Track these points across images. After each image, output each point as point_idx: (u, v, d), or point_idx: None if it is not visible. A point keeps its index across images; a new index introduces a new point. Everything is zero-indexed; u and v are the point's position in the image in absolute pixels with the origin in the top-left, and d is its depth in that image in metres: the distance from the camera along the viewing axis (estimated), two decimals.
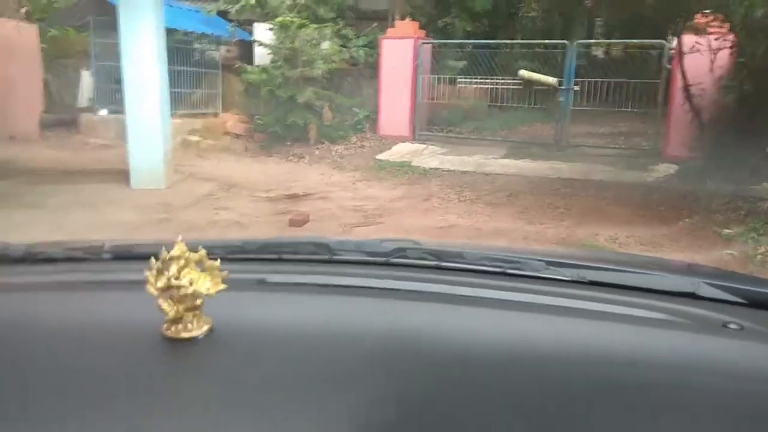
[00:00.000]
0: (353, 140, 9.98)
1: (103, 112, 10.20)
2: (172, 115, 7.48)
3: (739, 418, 0.61)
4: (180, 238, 0.72)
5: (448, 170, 8.22)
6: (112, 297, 0.88)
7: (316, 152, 9.41)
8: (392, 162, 8.69)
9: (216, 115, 10.48)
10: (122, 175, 6.97)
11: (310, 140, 9.58)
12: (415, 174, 8.11)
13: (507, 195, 6.96)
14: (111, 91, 10.09)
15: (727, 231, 5.37)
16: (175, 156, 7.57)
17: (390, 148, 9.41)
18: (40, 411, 0.59)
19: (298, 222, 5.43)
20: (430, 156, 8.91)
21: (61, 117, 10.51)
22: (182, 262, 0.71)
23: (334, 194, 7.01)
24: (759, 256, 4.77)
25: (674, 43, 7.92)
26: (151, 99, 6.74)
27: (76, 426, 0.57)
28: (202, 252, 0.72)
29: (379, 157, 9.02)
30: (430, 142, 9.70)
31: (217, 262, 0.72)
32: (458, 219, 5.95)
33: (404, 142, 9.75)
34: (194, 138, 9.67)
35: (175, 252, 0.70)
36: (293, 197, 6.83)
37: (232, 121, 9.96)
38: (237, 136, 9.77)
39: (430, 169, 8.30)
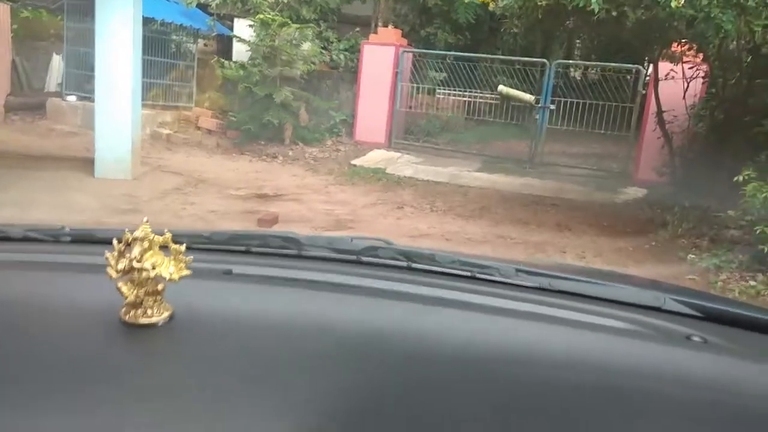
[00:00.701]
0: (328, 143, 9.90)
1: (72, 98, 9.93)
2: (143, 106, 7.30)
3: (702, 427, 0.63)
4: (145, 219, 0.69)
5: (422, 180, 8.21)
6: (70, 279, 0.86)
7: (290, 153, 9.30)
8: (366, 168, 8.64)
9: (189, 108, 10.29)
10: (87, 163, 6.78)
11: (284, 140, 9.47)
12: (389, 182, 8.07)
13: (479, 208, 6.97)
14: (81, 76, 9.83)
15: (691, 256, 5.46)
16: (143, 147, 7.39)
17: (365, 154, 9.37)
18: None
19: (267, 222, 5.34)
20: (404, 164, 8.89)
21: (27, 101, 10.21)
22: (146, 244, 0.67)
23: (306, 197, 6.92)
24: (720, 283, 4.85)
25: (650, 69, 8.07)
26: (122, 87, 6.57)
27: (27, 407, 0.55)
28: (168, 235, 0.69)
29: (354, 162, 8.96)
30: (406, 151, 9.69)
31: (183, 247, 0.69)
32: (429, 228, 5.93)
33: (380, 148, 9.71)
34: (164, 131, 9.47)
35: (138, 233, 0.67)
36: (264, 197, 6.72)
37: (205, 116, 9.79)
38: (209, 131, 9.60)
39: (404, 177, 8.27)
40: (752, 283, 4.73)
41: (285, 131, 9.43)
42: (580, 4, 5.08)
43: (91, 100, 7.95)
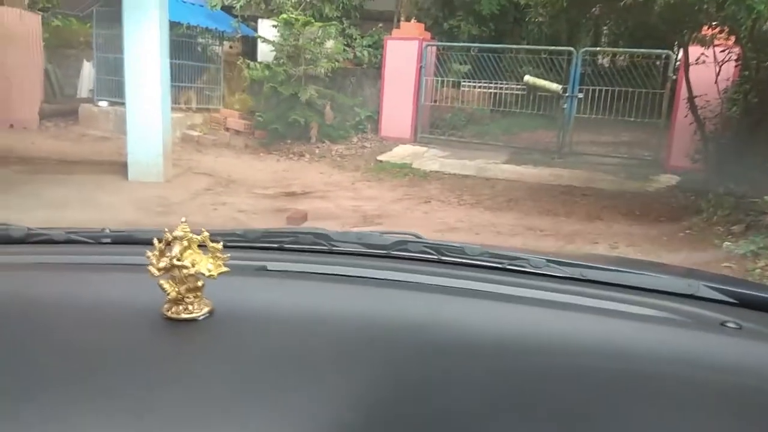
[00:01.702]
0: (354, 140, 9.94)
1: (103, 104, 10.16)
2: (173, 109, 7.43)
3: (737, 412, 0.62)
4: (183, 219, 0.72)
5: (449, 174, 8.18)
6: (112, 278, 0.88)
7: (317, 151, 9.36)
8: (393, 163, 8.65)
9: (217, 110, 10.44)
10: (120, 167, 6.93)
11: (310, 139, 9.53)
12: (416, 176, 8.06)
13: (507, 200, 6.92)
14: (112, 82, 10.06)
15: (727, 243, 5.33)
16: (174, 150, 7.52)
17: (391, 150, 9.37)
18: (41, 389, 0.58)
19: (296, 220, 5.39)
20: (431, 159, 8.87)
21: (60, 107, 10.48)
22: (185, 243, 0.70)
23: (333, 194, 6.97)
24: (758, 270, 4.73)
25: (680, 54, 7.89)
26: (152, 91, 6.69)
27: (76, 403, 0.56)
28: (205, 234, 0.72)
29: (380, 158, 8.97)
30: (432, 145, 9.66)
31: (220, 245, 0.72)
32: (457, 222, 5.91)
33: (405, 144, 9.71)
34: (194, 133, 9.63)
35: (178, 233, 0.70)
36: (292, 195, 6.78)
37: (232, 117, 9.91)
38: (237, 132, 9.72)
39: (431, 171, 8.25)
40: None
41: (311, 129, 9.49)
42: None
43: (122, 104, 8.12)
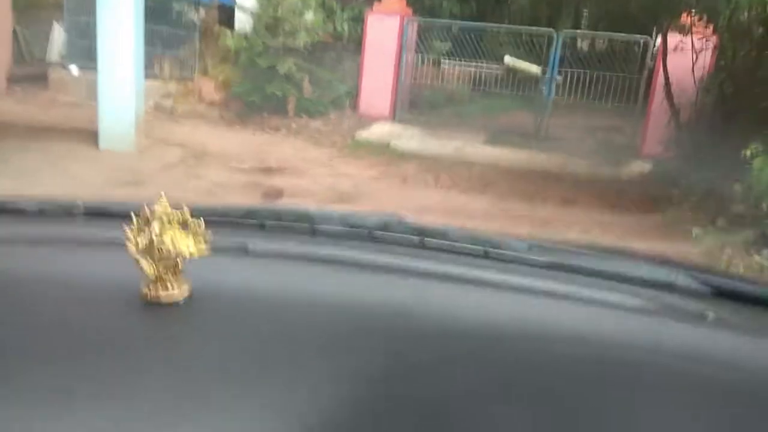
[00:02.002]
0: (332, 116, 9.82)
1: (74, 68, 9.85)
2: (146, 77, 7.24)
3: (714, 402, 0.63)
4: (162, 194, 0.69)
5: (427, 153, 8.16)
6: (86, 254, 0.86)
7: (294, 126, 9.24)
8: (371, 141, 8.60)
9: (192, 80, 10.20)
10: (91, 135, 6.75)
11: (288, 113, 9.39)
12: (393, 155, 8.03)
13: (484, 182, 6.95)
14: (84, 46, 9.72)
15: (697, 231, 5.44)
16: (147, 119, 7.35)
17: (369, 127, 9.30)
18: (13, 370, 0.57)
19: (271, 196, 5.34)
20: (409, 138, 8.84)
21: (29, 71, 10.13)
22: (165, 220, 0.67)
23: (310, 170, 6.91)
24: (725, 257, 4.85)
25: (658, 40, 7.95)
26: (125, 58, 6.51)
27: (48, 382, 0.55)
28: (186, 211, 0.69)
29: (358, 135, 8.91)
30: (411, 124, 9.61)
31: (201, 222, 0.70)
32: (433, 203, 5.93)
33: (384, 121, 9.64)
34: (167, 102, 9.40)
35: (158, 209, 0.68)
36: (267, 170, 6.71)
37: (207, 87, 9.70)
38: (212, 103, 9.53)
39: (409, 151, 8.22)
40: (757, 258, 4.73)
41: (288, 103, 9.34)
42: None
43: (94, 70, 7.88)
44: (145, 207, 0.69)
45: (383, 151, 8.18)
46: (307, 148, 8.14)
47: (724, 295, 0.93)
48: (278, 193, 5.44)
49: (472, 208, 5.84)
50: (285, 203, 5.06)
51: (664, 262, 1.18)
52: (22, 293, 0.72)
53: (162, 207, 0.68)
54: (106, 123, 6.61)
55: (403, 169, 7.37)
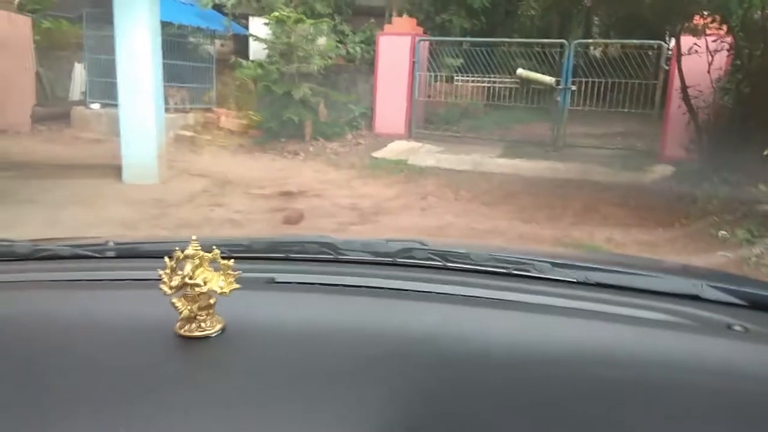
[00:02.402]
0: (349, 137, 9.92)
1: (96, 106, 10.11)
2: (166, 110, 7.41)
3: (745, 418, 0.62)
4: (194, 237, 0.72)
5: (445, 169, 8.18)
6: (121, 295, 0.88)
7: (311, 149, 9.35)
8: (388, 160, 8.65)
9: (210, 110, 10.41)
10: (115, 170, 6.90)
11: (305, 137, 9.52)
12: (411, 172, 8.06)
13: (503, 194, 6.93)
14: (104, 84, 10.00)
15: (723, 233, 5.36)
16: (168, 151, 7.49)
17: (386, 146, 9.36)
18: (52, 408, 0.58)
19: (293, 219, 5.38)
20: (426, 154, 8.87)
21: (53, 110, 10.42)
22: (197, 261, 0.71)
23: (329, 192, 6.96)
24: (754, 258, 4.76)
25: (672, 44, 7.90)
26: (144, 93, 6.67)
27: (89, 423, 0.56)
28: (216, 252, 0.72)
29: (375, 154, 8.96)
30: (427, 141, 9.66)
31: (231, 262, 0.72)
32: (455, 218, 5.92)
33: (400, 139, 9.70)
34: (188, 133, 9.60)
35: (189, 251, 0.71)
36: (288, 194, 6.77)
37: (226, 116, 9.89)
38: (231, 131, 9.70)
39: (426, 167, 8.25)
40: None
41: (305, 127, 9.48)
42: None
43: (115, 106, 8.08)
44: (177, 249, 0.71)
45: (401, 168, 8.22)
46: (326, 171, 8.21)
47: (752, 305, 0.91)
48: (299, 216, 5.48)
49: (493, 220, 5.82)
50: (307, 231, 5.10)
51: (689, 271, 1.18)
52: (59, 335, 0.74)
53: (193, 249, 0.71)
54: (129, 157, 6.75)
55: (422, 185, 7.38)
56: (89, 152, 8.52)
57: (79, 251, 1.05)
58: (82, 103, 10.60)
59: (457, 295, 0.88)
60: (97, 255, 1.05)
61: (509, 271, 0.99)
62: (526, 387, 0.65)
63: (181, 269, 0.70)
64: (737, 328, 0.81)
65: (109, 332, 0.74)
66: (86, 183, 6.67)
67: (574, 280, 0.97)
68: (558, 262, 1.02)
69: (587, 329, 0.79)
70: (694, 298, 0.92)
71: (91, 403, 0.59)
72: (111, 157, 7.40)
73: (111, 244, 1.09)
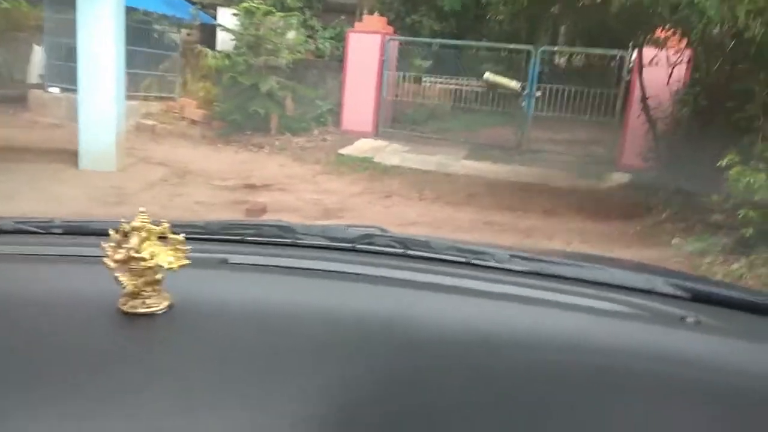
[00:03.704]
0: (315, 133, 9.86)
1: (54, 90, 9.80)
2: (127, 97, 7.23)
3: (698, 406, 0.64)
4: (142, 209, 0.69)
5: (410, 168, 8.22)
6: (64, 270, 0.85)
7: (277, 143, 9.25)
8: (354, 157, 8.63)
9: (173, 99, 10.19)
10: (71, 155, 6.71)
11: (270, 130, 9.41)
12: (377, 170, 8.07)
13: (467, 195, 7.00)
14: (63, 68, 9.68)
15: (676, 240, 5.53)
16: (128, 139, 7.32)
17: (352, 143, 9.34)
18: None
19: (255, 213, 5.33)
20: (392, 153, 8.89)
21: (8, 92, 10.08)
22: (144, 234, 0.67)
23: (294, 186, 6.91)
24: (704, 266, 4.92)
25: (634, 55, 8.11)
26: (105, 78, 6.50)
27: (29, 401, 0.54)
28: (165, 225, 0.69)
29: (341, 151, 8.93)
30: (393, 140, 9.67)
31: (181, 237, 0.69)
32: (418, 217, 5.95)
33: (367, 137, 9.69)
34: (149, 122, 9.38)
35: (136, 223, 0.67)
36: (251, 187, 6.70)
37: (189, 106, 9.70)
38: (194, 122, 9.52)
39: (392, 166, 8.27)
40: (735, 266, 4.80)
41: (271, 121, 9.37)
42: None
43: (74, 91, 7.84)
44: (124, 222, 0.68)
45: (367, 166, 8.21)
46: (291, 165, 8.15)
47: (703, 299, 0.94)
48: (262, 210, 5.42)
49: (456, 220, 5.87)
50: (272, 219, 5.05)
51: (643, 268, 1.20)
52: (0, 310, 0.71)
53: (141, 222, 0.67)
54: (87, 143, 6.57)
55: (387, 183, 7.40)
56: (46, 136, 8.25)
57: (23, 226, 1.01)
58: (41, 86, 10.26)
59: (416, 281, 0.87)
60: (42, 231, 1.01)
61: (468, 260, 0.99)
62: (484, 372, 0.65)
63: (128, 242, 0.67)
64: (690, 320, 0.82)
65: (50, 308, 0.71)
66: (41, 168, 6.45)
67: (531, 271, 0.97)
68: (516, 254, 1.02)
69: (544, 317, 0.80)
70: (648, 292, 0.94)
71: (31, 380, 0.57)
72: (68, 142, 7.18)
73: (57, 221, 1.04)
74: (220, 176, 7.04)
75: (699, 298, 0.94)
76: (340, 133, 9.93)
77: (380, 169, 8.11)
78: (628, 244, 5.46)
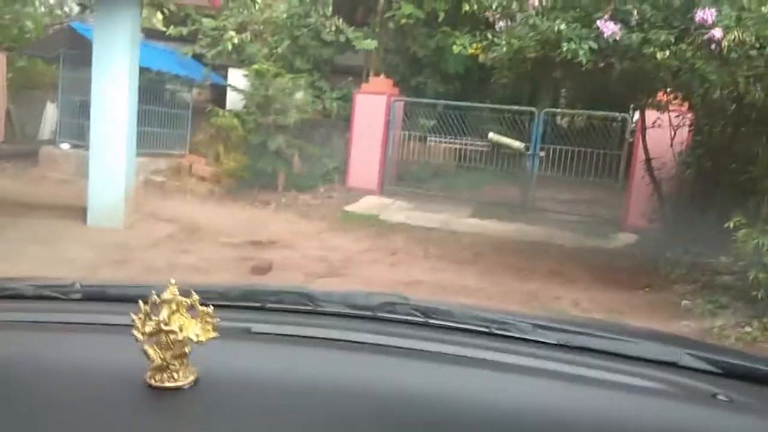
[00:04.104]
0: (321, 190, 9.96)
1: (65, 146, 9.98)
2: (137, 154, 7.35)
3: None
4: (173, 281, 0.69)
5: (415, 225, 8.24)
6: (87, 339, 0.84)
7: (283, 200, 9.33)
8: (359, 214, 8.68)
9: (182, 156, 10.35)
10: (79, 211, 6.75)
11: (278, 187, 9.51)
12: (382, 227, 8.09)
13: (472, 254, 6.98)
14: (75, 125, 9.92)
15: (686, 302, 5.46)
16: (137, 195, 7.38)
17: (358, 201, 9.41)
18: None
19: (261, 270, 5.31)
20: (397, 210, 8.94)
21: (20, 148, 10.27)
22: (174, 306, 0.67)
23: (299, 243, 6.91)
24: (716, 329, 4.84)
25: (636, 117, 8.25)
26: (117, 135, 6.62)
27: None
28: (195, 297, 0.68)
29: (347, 208, 8.99)
30: (398, 197, 9.75)
31: (210, 309, 0.69)
32: (423, 275, 5.91)
33: (372, 195, 9.77)
34: (158, 178, 9.50)
35: (166, 295, 0.67)
36: (257, 244, 6.70)
37: (198, 163, 9.84)
38: (203, 178, 9.64)
39: (397, 223, 8.30)
40: (748, 329, 4.73)
41: (278, 178, 9.49)
42: (569, 56, 5.23)
43: (85, 148, 7.98)
44: (153, 293, 0.68)
45: (372, 223, 8.24)
46: (297, 222, 8.18)
47: (734, 375, 0.92)
48: (268, 267, 5.40)
49: (461, 279, 5.83)
50: (276, 281, 5.03)
51: (668, 338, 1.18)
52: (20, 379, 0.70)
53: (171, 294, 0.67)
54: (95, 199, 6.62)
55: (392, 240, 7.40)
56: (55, 192, 8.34)
57: (44, 292, 1.01)
58: (52, 142, 10.46)
59: (439, 352, 0.87)
60: (63, 296, 1.01)
61: (490, 330, 0.98)
62: None
63: (156, 314, 0.66)
64: (722, 397, 0.80)
65: (74, 378, 0.70)
66: (48, 223, 6.49)
67: (555, 342, 0.96)
68: (540, 323, 1.01)
69: (568, 392, 0.78)
70: (677, 366, 0.92)
71: None
72: (77, 198, 7.25)
73: (77, 285, 1.04)
74: (226, 233, 7.06)
75: (730, 374, 0.92)
76: (346, 190, 10.03)
77: (385, 227, 8.13)
78: (638, 305, 5.40)
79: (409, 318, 1.00)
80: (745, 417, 0.78)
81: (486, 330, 0.98)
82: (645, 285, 5.99)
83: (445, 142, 10.39)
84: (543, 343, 0.96)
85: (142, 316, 0.67)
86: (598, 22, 5.14)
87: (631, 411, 0.75)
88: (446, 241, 7.54)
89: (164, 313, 0.66)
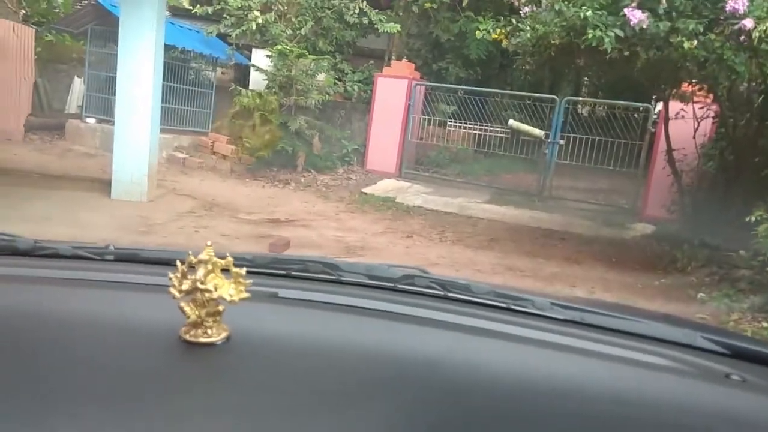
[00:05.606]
0: (340, 171, 10.02)
1: (91, 120, 10.13)
2: (161, 130, 7.46)
3: None
4: (209, 243, 0.72)
5: (432, 210, 8.27)
6: (121, 297, 0.88)
7: (302, 180, 9.41)
8: (377, 196, 8.72)
9: (205, 134, 10.47)
10: (103, 184, 6.88)
11: (297, 167, 9.59)
12: (399, 210, 8.14)
13: (488, 239, 7.00)
14: (101, 99, 10.08)
15: (702, 295, 5.43)
16: (159, 171, 7.50)
17: (375, 183, 9.46)
18: (51, 405, 0.57)
19: (278, 247, 5.38)
20: (414, 194, 8.97)
21: (47, 121, 10.43)
22: (210, 267, 0.70)
23: (317, 223, 6.99)
24: (732, 323, 4.82)
25: (659, 107, 8.16)
26: (142, 111, 6.71)
27: (85, 422, 0.56)
28: (229, 259, 0.72)
29: (365, 190, 9.04)
30: (416, 181, 9.78)
31: (243, 270, 0.72)
32: (438, 258, 5.96)
33: (390, 178, 9.81)
34: (180, 155, 9.63)
35: (203, 256, 0.71)
36: (275, 222, 6.79)
37: (220, 141, 9.95)
38: (224, 156, 9.75)
39: (414, 207, 8.33)
40: (765, 324, 4.70)
41: (298, 158, 9.57)
42: (593, 44, 5.17)
43: (110, 122, 8.11)
44: (191, 254, 0.71)
45: (389, 206, 8.28)
46: (315, 202, 8.26)
47: (745, 357, 0.93)
48: (285, 245, 5.48)
49: (476, 264, 5.86)
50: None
51: (681, 322, 1.18)
52: (59, 332, 0.73)
53: (207, 255, 0.71)
54: (119, 173, 6.75)
55: (409, 224, 7.44)
56: (80, 165, 8.49)
57: (80, 252, 1.05)
58: (78, 116, 10.62)
59: (456, 323, 0.88)
60: (97, 257, 1.05)
61: (509, 306, 0.99)
62: (527, 419, 0.65)
63: (192, 274, 0.70)
64: (735, 377, 0.82)
65: (110, 333, 0.74)
66: (72, 195, 6.63)
67: (572, 320, 0.97)
68: (556, 302, 1.02)
69: (586, 366, 0.80)
70: (689, 347, 0.93)
71: (90, 402, 0.58)
72: (101, 171, 7.39)
73: (111, 248, 1.09)
74: (246, 210, 7.16)
75: (741, 356, 0.93)
76: (365, 172, 10.08)
77: (402, 210, 8.18)
78: (652, 296, 5.39)
79: (428, 290, 1.02)
80: (757, 396, 0.80)
81: (504, 305, 0.99)
82: (661, 276, 5.97)
83: (465, 128, 10.36)
84: (561, 320, 0.97)
85: (179, 274, 0.71)
86: (625, 9, 5.07)
87: (647, 386, 0.76)
88: (462, 226, 7.56)
89: (200, 273, 0.70)
